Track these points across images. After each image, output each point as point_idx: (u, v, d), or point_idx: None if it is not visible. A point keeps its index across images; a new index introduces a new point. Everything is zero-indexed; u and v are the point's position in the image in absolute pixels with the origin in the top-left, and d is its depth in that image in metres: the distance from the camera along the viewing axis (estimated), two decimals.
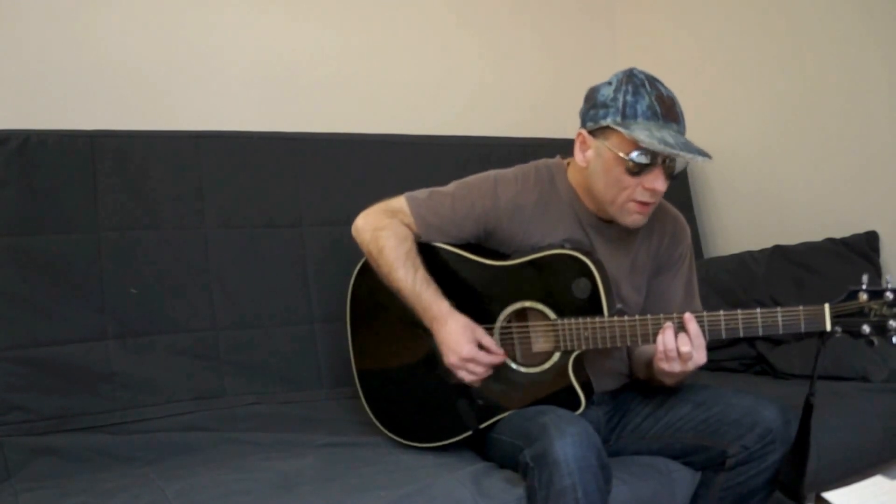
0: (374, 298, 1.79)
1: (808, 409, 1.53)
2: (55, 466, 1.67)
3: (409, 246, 1.68)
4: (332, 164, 2.25)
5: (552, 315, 1.62)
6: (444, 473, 1.53)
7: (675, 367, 1.51)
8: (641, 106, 1.52)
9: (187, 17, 2.31)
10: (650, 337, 1.54)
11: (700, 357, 1.50)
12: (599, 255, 1.66)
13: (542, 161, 1.77)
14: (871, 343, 1.43)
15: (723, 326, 1.50)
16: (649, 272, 1.75)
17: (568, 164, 1.73)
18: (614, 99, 1.55)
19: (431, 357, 1.71)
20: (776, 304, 2.27)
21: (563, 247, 1.63)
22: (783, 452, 1.54)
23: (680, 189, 2.76)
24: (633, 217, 1.61)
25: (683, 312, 1.52)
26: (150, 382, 1.91)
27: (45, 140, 1.92)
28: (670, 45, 2.91)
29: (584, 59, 3.01)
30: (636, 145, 1.52)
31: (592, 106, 1.59)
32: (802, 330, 1.46)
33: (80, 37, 2.16)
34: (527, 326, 1.65)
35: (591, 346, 1.59)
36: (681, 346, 1.49)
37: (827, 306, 1.45)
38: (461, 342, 1.59)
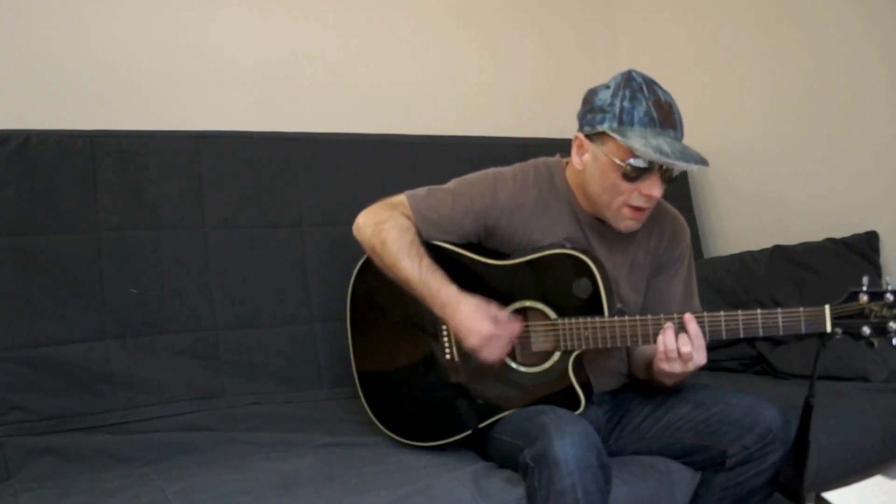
0: (375, 298, 1.79)
1: (807, 409, 1.53)
2: (55, 466, 1.67)
3: (412, 236, 1.67)
4: (332, 164, 2.25)
5: (552, 315, 1.62)
6: (444, 473, 1.53)
7: (676, 367, 1.51)
8: (638, 112, 1.52)
9: (187, 17, 2.30)
10: (650, 337, 1.54)
11: (700, 358, 1.50)
12: (598, 254, 1.66)
13: (542, 159, 1.77)
14: (871, 344, 1.43)
15: (723, 327, 1.50)
16: (648, 272, 1.75)
17: (567, 163, 1.73)
18: (611, 104, 1.54)
19: (431, 356, 1.72)
20: (776, 304, 2.28)
21: (563, 246, 1.63)
22: (783, 452, 1.54)
23: (680, 189, 2.76)
24: (626, 222, 1.61)
25: (683, 312, 1.52)
26: (150, 382, 1.91)
27: (45, 140, 1.92)
28: (670, 45, 2.91)
29: (584, 58, 3.01)
30: (632, 152, 1.52)
31: (590, 110, 1.59)
32: (803, 331, 1.46)
33: (80, 37, 2.16)
34: (527, 326, 1.65)
35: (591, 346, 1.59)
36: (681, 346, 1.49)
37: (827, 307, 1.45)
38: (479, 321, 1.56)
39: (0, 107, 2.04)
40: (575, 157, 1.64)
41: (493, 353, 1.59)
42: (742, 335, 1.50)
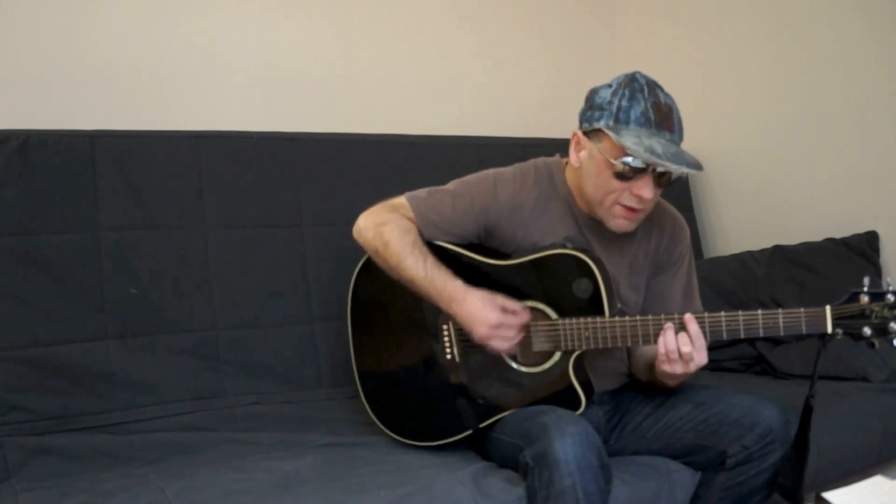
0: (375, 298, 1.79)
1: (807, 410, 1.53)
2: (55, 466, 1.67)
3: (414, 236, 1.67)
4: (332, 164, 2.25)
5: (553, 315, 1.62)
6: (444, 473, 1.53)
7: (678, 368, 1.51)
8: (635, 112, 1.52)
9: (187, 18, 2.30)
10: (651, 337, 1.54)
11: (701, 358, 1.50)
12: (597, 254, 1.66)
13: (541, 160, 1.77)
14: (872, 345, 1.43)
15: (724, 327, 1.50)
16: (648, 272, 1.75)
17: (566, 163, 1.73)
18: (610, 102, 1.54)
19: (432, 356, 1.72)
20: (776, 304, 2.28)
21: (564, 246, 1.63)
22: (783, 452, 1.54)
23: (680, 189, 2.76)
24: (618, 221, 1.61)
25: (683, 313, 1.52)
26: (150, 382, 1.91)
27: (45, 140, 1.92)
28: (670, 45, 2.91)
29: (584, 59, 3.01)
30: (625, 151, 1.52)
31: (590, 107, 1.59)
32: (804, 332, 1.46)
33: (80, 37, 2.16)
34: (527, 326, 1.65)
35: (591, 346, 1.59)
36: (682, 346, 1.49)
37: (828, 308, 1.45)
38: (486, 311, 1.56)
39: (0, 107, 2.04)
40: (572, 154, 1.64)
41: (502, 343, 1.59)
42: (743, 335, 1.50)
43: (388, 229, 1.66)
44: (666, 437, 1.66)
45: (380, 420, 1.78)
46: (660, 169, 1.53)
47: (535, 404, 1.61)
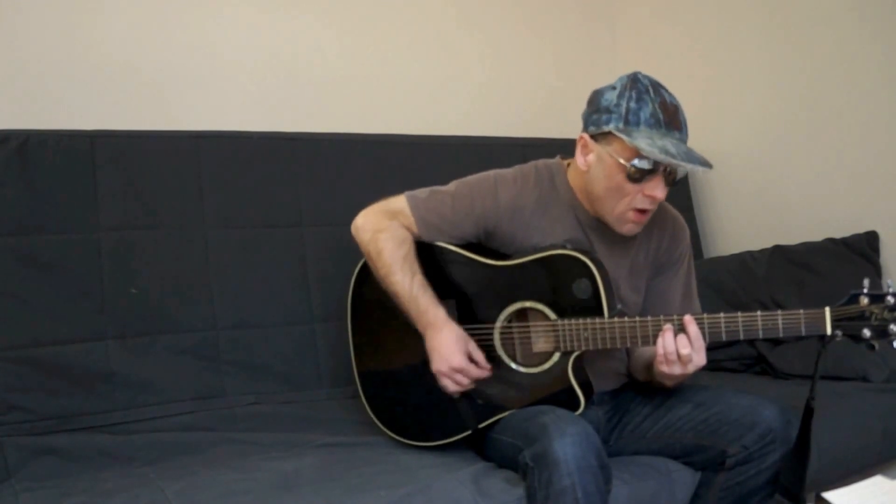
0: (375, 298, 1.79)
1: (808, 412, 1.53)
2: (55, 466, 1.67)
3: (408, 249, 1.68)
4: (332, 164, 2.25)
5: (552, 315, 1.62)
6: (443, 473, 1.53)
7: (676, 369, 1.51)
8: (644, 113, 1.52)
9: (187, 17, 2.30)
10: (650, 338, 1.54)
11: (700, 359, 1.50)
12: (598, 255, 1.66)
13: (542, 161, 1.77)
14: (871, 347, 1.43)
15: (723, 329, 1.50)
16: (648, 273, 1.75)
17: (568, 164, 1.73)
18: (617, 105, 1.54)
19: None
20: (776, 304, 2.28)
21: (564, 247, 1.63)
22: (783, 452, 1.54)
23: (680, 189, 2.76)
24: (628, 226, 1.62)
25: (683, 314, 1.52)
26: (150, 382, 1.91)
27: (45, 140, 1.92)
28: (670, 46, 2.91)
29: (585, 59, 3.01)
30: (637, 153, 1.51)
31: (595, 110, 1.59)
32: (803, 333, 1.45)
33: (80, 37, 2.16)
34: (527, 326, 1.65)
35: (591, 347, 1.59)
36: (681, 348, 1.49)
37: (828, 310, 1.45)
38: (454, 351, 1.60)
39: (0, 107, 2.04)
40: (579, 158, 1.64)
41: (452, 385, 1.62)
42: (742, 337, 1.50)
43: (383, 237, 1.67)
44: (666, 438, 1.66)
45: (380, 420, 1.78)
46: (669, 169, 1.53)
47: (535, 405, 1.61)
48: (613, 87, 1.58)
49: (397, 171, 2.29)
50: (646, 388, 1.72)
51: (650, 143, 1.49)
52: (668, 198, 1.70)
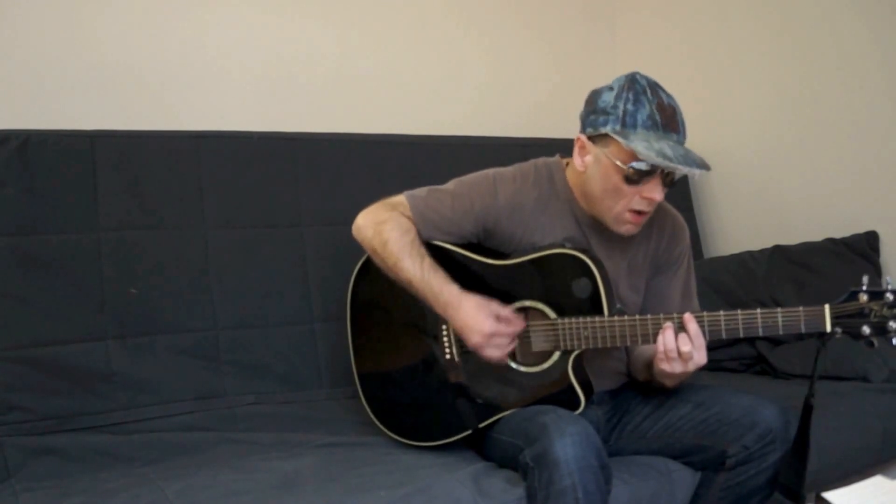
0: (374, 298, 1.79)
1: (807, 410, 1.53)
2: (55, 466, 1.67)
3: (413, 236, 1.67)
4: (332, 164, 2.25)
5: (552, 314, 1.62)
6: (444, 473, 1.53)
7: (677, 367, 1.51)
8: (642, 115, 1.52)
9: (187, 18, 2.31)
10: (650, 337, 1.54)
11: (700, 357, 1.50)
12: (597, 255, 1.66)
13: (542, 160, 1.77)
14: (871, 344, 1.43)
15: (723, 327, 1.50)
16: (647, 272, 1.75)
17: (567, 163, 1.73)
18: (615, 106, 1.54)
19: (431, 356, 1.71)
20: (776, 304, 2.28)
21: (563, 246, 1.63)
22: (783, 452, 1.54)
23: (680, 189, 2.76)
24: (626, 227, 1.61)
25: (683, 313, 1.52)
26: (150, 382, 1.91)
27: (45, 140, 1.92)
28: (670, 46, 2.91)
29: (585, 59, 3.01)
30: (634, 155, 1.51)
31: (593, 111, 1.59)
32: (803, 331, 1.46)
33: (80, 37, 2.16)
34: (527, 326, 1.65)
35: (591, 346, 1.59)
36: (681, 346, 1.48)
37: (827, 307, 1.45)
38: (480, 319, 1.57)
39: (0, 107, 2.04)
40: (577, 159, 1.64)
41: (495, 351, 1.59)
42: (742, 335, 1.50)
43: (387, 228, 1.66)
44: (666, 437, 1.66)
45: (379, 420, 1.78)
46: (668, 170, 1.53)
47: (535, 404, 1.61)
48: (611, 88, 1.57)
49: (397, 171, 2.29)
50: (646, 388, 1.72)
51: (647, 146, 1.48)
52: (668, 198, 1.70)
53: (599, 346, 1.58)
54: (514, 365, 1.66)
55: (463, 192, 1.71)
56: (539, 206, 1.70)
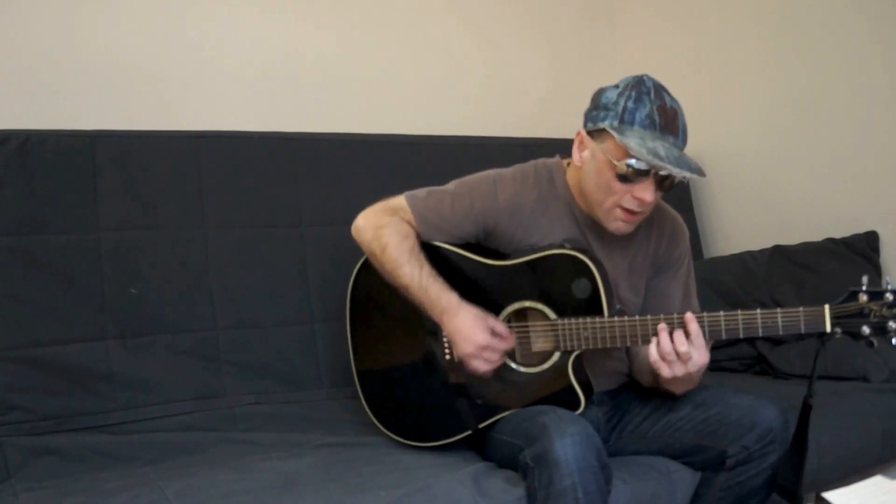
0: (374, 298, 1.79)
1: (805, 410, 1.53)
2: (55, 466, 1.67)
3: (412, 242, 1.67)
4: (332, 164, 2.25)
5: (552, 315, 1.62)
6: (444, 473, 1.53)
7: (677, 369, 1.49)
8: (640, 114, 1.51)
9: (187, 17, 2.31)
10: (650, 337, 1.53)
11: (700, 357, 1.49)
12: (597, 255, 1.66)
13: (542, 161, 1.77)
14: (870, 344, 1.43)
15: (723, 327, 1.50)
16: (647, 273, 1.75)
17: (567, 164, 1.73)
18: (616, 103, 1.54)
19: (431, 356, 1.71)
20: (776, 304, 2.28)
21: (563, 246, 1.63)
22: (783, 452, 1.54)
23: (680, 189, 2.74)
24: (617, 223, 1.61)
25: (683, 313, 1.51)
26: (150, 382, 1.91)
27: (45, 140, 1.92)
28: (670, 46, 2.91)
29: (585, 59, 3.01)
30: (628, 152, 1.51)
31: (595, 107, 1.59)
32: (802, 331, 1.45)
33: (80, 37, 2.16)
34: (527, 326, 1.65)
35: (590, 346, 1.59)
36: (678, 346, 1.48)
37: (827, 307, 1.45)
38: (475, 331, 1.57)
39: (0, 107, 2.04)
40: (575, 153, 1.64)
41: (483, 364, 1.60)
42: (742, 335, 1.50)
43: (386, 233, 1.67)
44: (666, 438, 1.66)
45: (379, 421, 1.78)
46: (662, 172, 1.52)
47: (535, 404, 1.61)
48: (616, 87, 1.57)
49: (397, 171, 2.29)
50: (646, 389, 1.72)
51: (640, 144, 1.48)
52: (668, 198, 1.70)
53: (599, 346, 1.58)
54: (514, 365, 1.66)
55: (463, 192, 1.71)
56: (539, 206, 1.70)
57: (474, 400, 1.67)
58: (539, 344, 1.64)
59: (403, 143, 2.39)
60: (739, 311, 1.48)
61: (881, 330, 1.42)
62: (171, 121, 2.21)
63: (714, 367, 2.20)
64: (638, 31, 3.04)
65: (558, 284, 1.62)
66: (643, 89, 1.53)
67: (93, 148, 1.97)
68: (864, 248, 2.31)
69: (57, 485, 1.56)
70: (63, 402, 1.82)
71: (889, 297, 1.41)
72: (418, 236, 1.70)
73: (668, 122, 1.52)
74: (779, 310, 1.46)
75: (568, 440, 1.40)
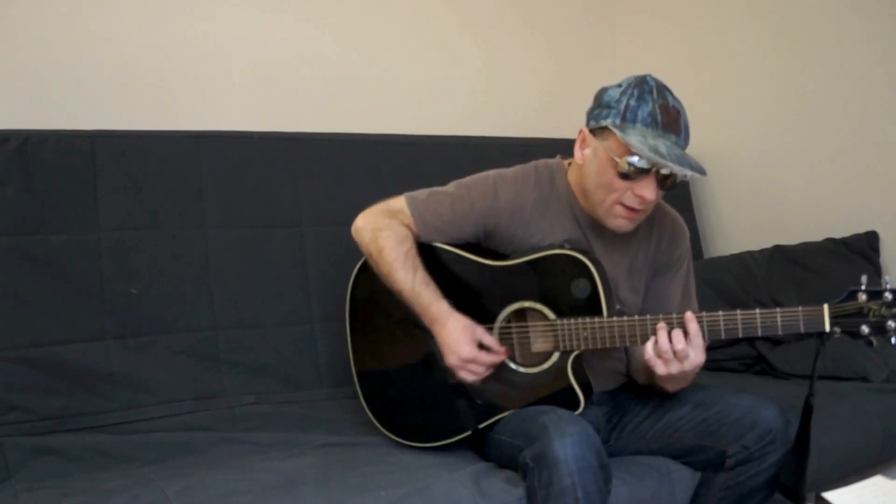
0: (374, 298, 1.79)
1: (807, 410, 1.53)
2: (55, 466, 1.67)
3: (409, 246, 1.68)
4: (332, 164, 2.25)
5: (551, 315, 1.62)
6: (444, 473, 1.53)
7: (673, 367, 1.49)
8: (643, 112, 1.51)
9: (187, 18, 2.31)
10: (650, 337, 1.53)
11: (697, 357, 1.49)
12: (597, 256, 1.66)
13: (542, 161, 1.77)
14: (870, 343, 1.43)
15: (722, 327, 1.50)
16: (647, 274, 1.75)
17: (568, 164, 1.73)
18: (618, 101, 1.54)
19: (430, 357, 1.71)
20: (776, 304, 2.28)
21: (562, 247, 1.63)
22: (783, 452, 1.54)
23: (680, 189, 2.74)
24: (618, 221, 1.61)
25: (682, 313, 1.51)
26: (150, 382, 1.91)
27: (45, 140, 1.92)
28: (670, 46, 2.91)
29: (585, 59, 3.01)
30: (629, 150, 1.51)
31: (598, 105, 1.59)
32: (802, 330, 1.46)
33: (80, 37, 2.16)
34: (526, 326, 1.65)
35: (590, 346, 1.59)
36: (675, 344, 1.47)
37: (826, 307, 1.45)
38: (461, 342, 1.58)
39: (0, 107, 2.05)
40: (577, 151, 1.64)
41: (468, 375, 1.61)
42: (741, 335, 1.50)
43: (384, 235, 1.67)
44: (666, 437, 1.66)
45: (379, 421, 1.78)
46: (664, 171, 1.52)
47: (534, 405, 1.61)
48: (619, 85, 1.58)
49: (397, 171, 2.28)
50: (645, 389, 1.72)
51: (641, 141, 1.48)
52: (668, 198, 1.70)
53: (599, 346, 1.58)
54: (513, 365, 1.66)
55: (463, 193, 1.71)
56: (539, 207, 1.70)
57: (474, 400, 1.67)
58: (538, 344, 1.64)
59: (403, 143, 2.39)
60: (739, 311, 1.48)
61: (880, 329, 1.42)
62: (171, 121, 2.21)
63: (714, 367, 2.21)
64: (638, 31, 3.04)
65: (558, 285, 1.62)
66: (646, 88, 1.54)
67: (93, 148, 1.97)
68: (864, 248, 2.31)
69: (57, 485, 1.56)
70: (63, 402, 1.82)
71: (888, 296, 1.41)
72: (417, 240, 1.71)
73: (671, 120, 1.53)
74: (778, 309, 1.47)
75: (568, 440, 1.40)
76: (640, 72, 1.59)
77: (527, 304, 1.65)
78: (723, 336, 1.51)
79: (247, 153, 2.16)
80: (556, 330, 1.61)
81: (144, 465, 1.68)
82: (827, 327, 1.44)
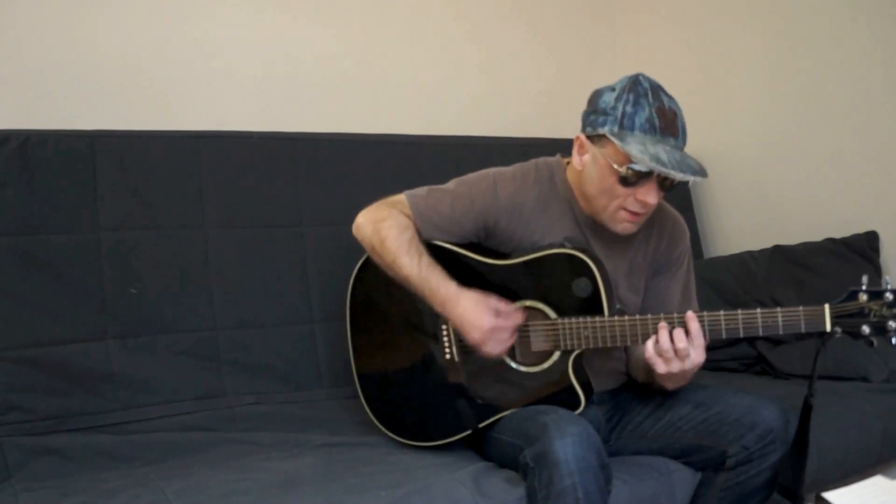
0: (374, 298, 1.79)
1: (806, 409, 1.53)
2: (55, 466, 1.67)
3: (411, 234, 1.67)
4: (332, 164, 2.25)
5: (552, 314, 1.62)
6: (444, 473, 1.53)
7: (674, 366, 1.50)
8: (640, 118, 1.51)
9: (187, 17, 2.31)
10: (650, 337, 1.53)
11: (697, 356, 1.49)
12: (597, 255, 1.66)
13: (542, 159, 1.77)
14: (870, 343, 1.43)
15: (723, 326, 1.50)
16: (647, 273, 1.75)
17: (567, 163, 1.73)
18: (614, 107, 1.53)
19: (431, 356, 1.72)
20: (776, 304, 2.28)
21: (563, 246, 1.63)
22: (783, 452, 1.54)
23: (680, 189, 2.74)
24: (623, 225, 1.61)
25: (683, 313, 1.51)
26: (150, 382, 1.91)
27: (45, 140, 1.92)
28: (670, 46, 2.91)
29: (585, 59, 3.01)
30: (629, 158, 1.51)
31: (593, 111, 1.58)
32: (802, 330, 1.46)
33: (80, 37, 2.16)
34: (526, 326, 1.65)
35: (591, 346, 1.59)
36: (677, 342, 1.48)
37: (827, 307, 1.45)
38: (480, 315, 1.56)
39: (0, 107, 2.04)
40: (575, 157, 1.64)
41: (496, 346, 1.59)
42: (742, 335, 1.50)
43: (385, 225, 1.66)
44: (666, 437, 1.66)
45: (379, 420, 1.78)
46: (663, 175, 1.53)
47: (535, 404, 1.61)
48: (613, 89, 1.57)
49: (397, 171, 2.28)
50: (646, 388, 1.72)
51: (642, 150, 1.48)
52: (668, 198, 1.70)
53: (599, 346, 1.58)
54: (513, 365, 1.66)
55: (463, 191, 1.71)
56: (539, 205, 1.70)
57: (474, 400, 1.67)
58: (539, 343, 1.64)
59: (403, 143, 2.39)
60: (740, 311, 1.49)
61: (881, 329, 1.42)
62: (171, 121, 2.21)
63: (714, 367, 2.21)
64: (638, 31, 3.04)
65: (558, 284, 1.62)
66: (640, 91, 1.53)
67: (93, 148, 1.97)
68: (864, 248, 2.31)
69: (57, 485, 1.56)
70: (63, 402, 1.82)
71: (889, 296, 1.42)
72: (418, 231, 1.70)
73: (668, 124, 1.52)
74: (779, 309, 1.47)
75: (568, 440, 1.40)
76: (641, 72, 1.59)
77: (527, 303, 1.65)
78: (724, 336, 1.51)
79: (247, 153, 2.16)
80: (557, 329, 1.61)
81: (144, 465, 1.68)
82: (828, 327, 1.45)
